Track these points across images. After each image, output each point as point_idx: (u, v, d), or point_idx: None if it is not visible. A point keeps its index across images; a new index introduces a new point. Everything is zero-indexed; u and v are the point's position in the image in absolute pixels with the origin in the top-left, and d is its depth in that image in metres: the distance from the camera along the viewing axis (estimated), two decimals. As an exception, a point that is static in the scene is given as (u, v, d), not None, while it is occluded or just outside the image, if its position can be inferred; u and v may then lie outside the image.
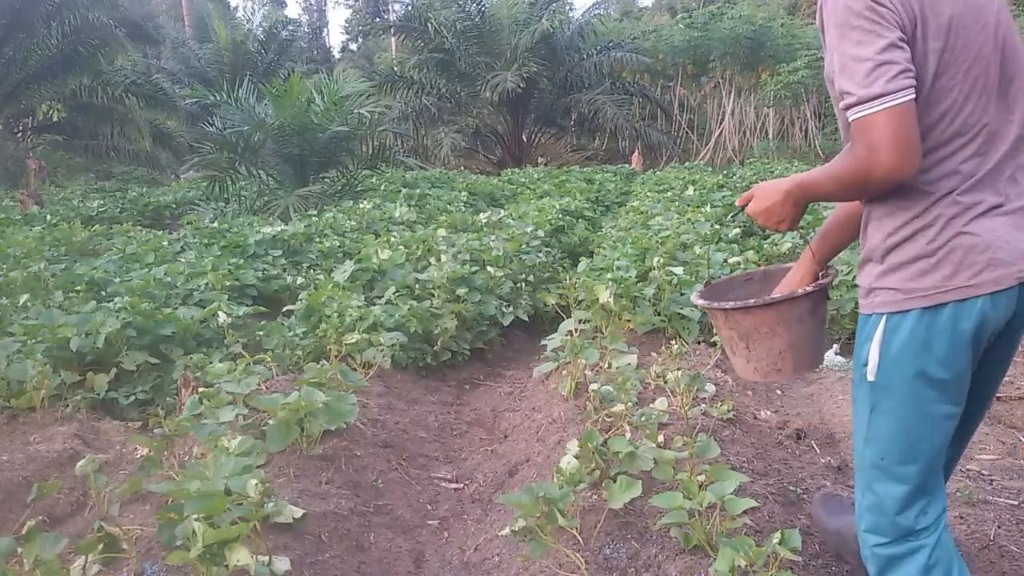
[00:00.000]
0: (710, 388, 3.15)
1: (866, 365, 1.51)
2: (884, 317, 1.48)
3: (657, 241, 5.25)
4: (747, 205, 1.65)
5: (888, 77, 1.32)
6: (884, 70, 1.33)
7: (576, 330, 3.73)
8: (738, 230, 5.89)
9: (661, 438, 2.50)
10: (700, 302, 1.87)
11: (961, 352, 1.44)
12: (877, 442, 1.54)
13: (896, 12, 1.36)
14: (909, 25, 1.38)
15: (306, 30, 41.67)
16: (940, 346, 1.43)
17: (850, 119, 1.37)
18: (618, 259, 4.77)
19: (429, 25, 18.57)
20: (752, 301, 1.74)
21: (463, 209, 9.23)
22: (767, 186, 1.61)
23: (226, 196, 10.59)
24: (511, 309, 4.71)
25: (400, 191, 10.50)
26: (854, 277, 3.22)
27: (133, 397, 3.55)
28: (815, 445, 3.04)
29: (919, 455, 1.51)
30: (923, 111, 1.39)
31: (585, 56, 18.80)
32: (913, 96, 1.34)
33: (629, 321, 3.96)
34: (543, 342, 3.87)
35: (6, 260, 5.80)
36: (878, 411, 1.52)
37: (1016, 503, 2.47)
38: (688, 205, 7.62)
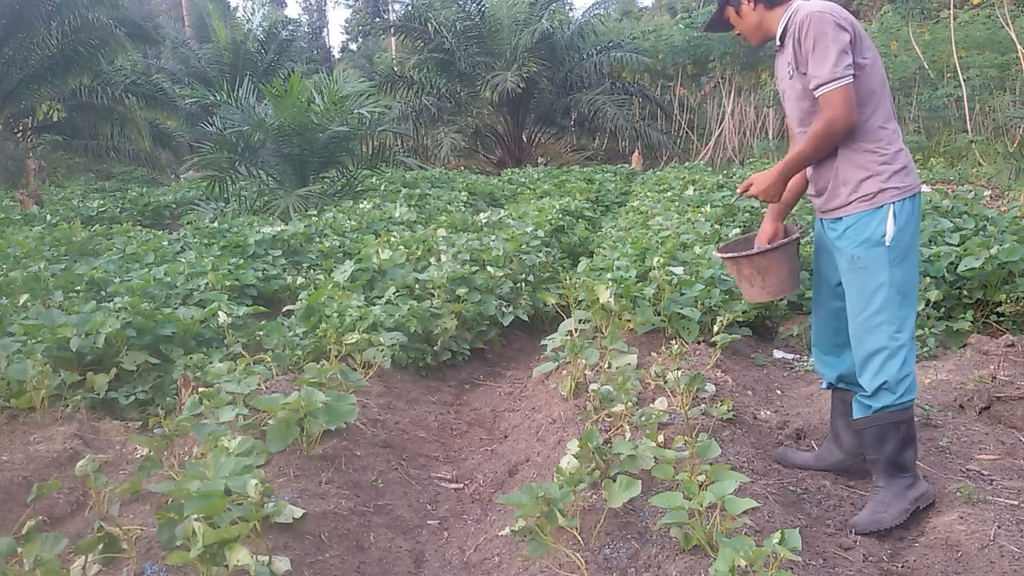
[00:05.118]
0: (710, 388, 3.15)
1: (884, 235, 2.33)
2: (892, 204, 2.34)
3: (657, 241, 5.25)
4: (746, 191, 2.54)
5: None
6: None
7: (576, 330, 3.73)
8: (738, 230, 5.89)
9: (661, 438, 2.51)
10: (728, 254, 2.67)
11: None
12: (897, 283, 2.36)
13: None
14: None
15: (306, 30, 41.65)
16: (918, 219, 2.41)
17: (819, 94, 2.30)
18: (618, 259, 4.77)
19: (429, 25, 18.53)
20: (769, 245, 2.62)
21: (463, 209, 9.21)
22: (760, 174, 2.52)
23: (226, 196, 10.57)
24: (511, 309, 4.71)
25: (400, 191, 10.48)
26: None
27: (133, 397, 3.56)
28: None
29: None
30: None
31: (585, 56, 18.75)
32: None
33: (629, 321, 3.96)
34: (543, 342, 3.87)
35: (6, 260, 5.79)
36: (895, 264, 2.34)
37: (1016, 503, 2.47)
38: (688, 205, 7.61)
